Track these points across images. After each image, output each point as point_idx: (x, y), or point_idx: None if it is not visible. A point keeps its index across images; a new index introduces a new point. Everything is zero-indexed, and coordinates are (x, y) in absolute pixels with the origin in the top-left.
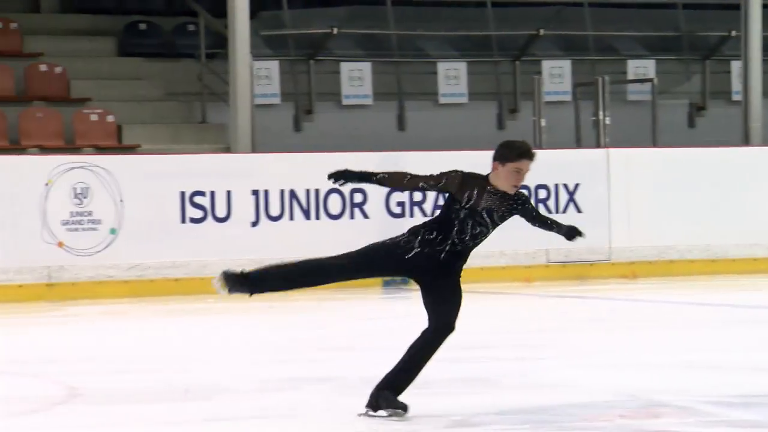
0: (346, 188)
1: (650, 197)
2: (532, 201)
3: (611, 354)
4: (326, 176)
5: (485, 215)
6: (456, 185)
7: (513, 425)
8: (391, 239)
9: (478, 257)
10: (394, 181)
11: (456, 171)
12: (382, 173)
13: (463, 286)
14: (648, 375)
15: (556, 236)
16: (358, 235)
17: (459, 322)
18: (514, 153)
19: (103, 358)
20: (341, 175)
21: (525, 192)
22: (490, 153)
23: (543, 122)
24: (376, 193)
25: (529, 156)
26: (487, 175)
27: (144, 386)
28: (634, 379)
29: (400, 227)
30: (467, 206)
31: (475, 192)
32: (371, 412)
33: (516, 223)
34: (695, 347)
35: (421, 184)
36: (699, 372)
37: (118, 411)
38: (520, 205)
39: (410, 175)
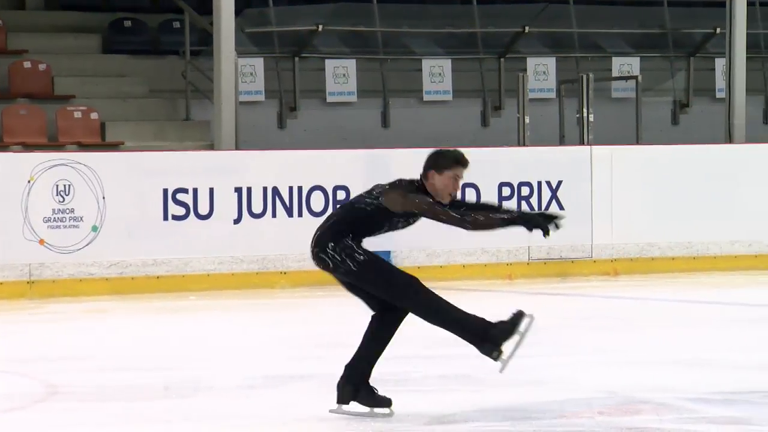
0: (329, 185)
1: (633, 194)
2: (514, 199)
3: (593, 351)
4: None
5: (411, 219)
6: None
7: (492, 422)
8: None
9: (460, 254)
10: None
11: (408, 182)
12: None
13: (444, 284)
14: (629, 372)
15: (536, 233)
16: None
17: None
18: (450, 160)
19: (83, 356)
20: None
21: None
22: (476, 150)
23: (527, 119)
24: (358, 189)
25: (465, 163)
26: (422, 183)
27: (125, 384)
28: (615, 376)
29: None
30: (411, 218)
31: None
32: (344, 407)
33: None
34: (676, 345)
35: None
36: (680, 369)
37: (99, 409)
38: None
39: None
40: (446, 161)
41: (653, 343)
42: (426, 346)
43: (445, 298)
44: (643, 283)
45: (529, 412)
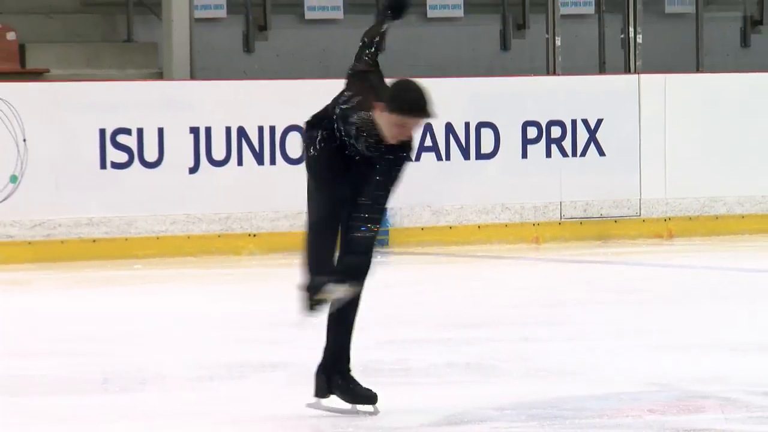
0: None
1: (692, 136)
2: (542, 142)
3: (640, 334)
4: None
5: (352, 131)
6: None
7: (514, 422)
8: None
9: (474, 212)
10: None
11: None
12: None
13: (456, 248)
14: (687, 359)
15: (569, 186)
16: None
17: (447, 295)
18: (404, 106)
19: (1, 340)
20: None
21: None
22: (493, 80)
23: (558, 41)
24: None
25: (422, 113)
26: (372, 103)
27: (54, 374)
28: (669, 364)
29: None
30: (342, 108)
31: (356, 101)
32: (323, 401)
33: (521, 169)
34: (744, 325)
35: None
36: (749, 356)
37: (23, 404)
38: (393, 153)
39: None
40: (399, 103)
41: (715, 323)
42: (429, 328)
43: (331, 246)
44: (704, 248)
45: (560, 409)
